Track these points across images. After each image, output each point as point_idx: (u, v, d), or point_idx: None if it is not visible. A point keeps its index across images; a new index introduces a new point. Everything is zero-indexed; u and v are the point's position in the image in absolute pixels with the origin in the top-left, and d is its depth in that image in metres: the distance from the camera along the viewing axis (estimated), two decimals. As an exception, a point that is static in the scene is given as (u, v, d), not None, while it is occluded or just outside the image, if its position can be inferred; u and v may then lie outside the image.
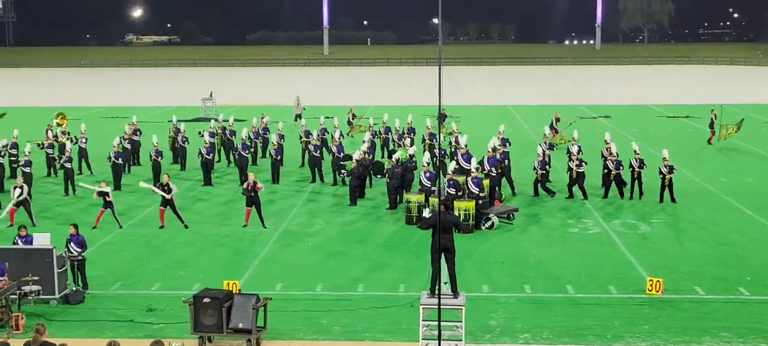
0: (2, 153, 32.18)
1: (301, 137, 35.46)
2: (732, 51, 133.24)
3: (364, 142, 32.27)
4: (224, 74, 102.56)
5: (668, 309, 17.87)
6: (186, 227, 25.01)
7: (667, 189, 28.25)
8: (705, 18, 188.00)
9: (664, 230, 24.74)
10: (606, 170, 29.17)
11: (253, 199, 24.84)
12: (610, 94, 71.01)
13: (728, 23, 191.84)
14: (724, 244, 23.10)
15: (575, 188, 28.92)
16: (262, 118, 39.11)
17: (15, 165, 31.80)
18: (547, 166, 29.85)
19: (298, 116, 46.88)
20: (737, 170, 34.46)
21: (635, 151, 29.33)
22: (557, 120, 40.79)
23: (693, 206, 27.85)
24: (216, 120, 39.04)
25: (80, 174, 33.52)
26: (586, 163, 29.24)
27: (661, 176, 28.18)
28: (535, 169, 29.40)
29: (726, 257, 21.74)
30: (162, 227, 25.01)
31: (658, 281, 18.86)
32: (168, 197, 24.87)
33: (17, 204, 25.31)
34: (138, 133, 36.37)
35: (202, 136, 33.96)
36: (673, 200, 28.14)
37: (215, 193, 30.59)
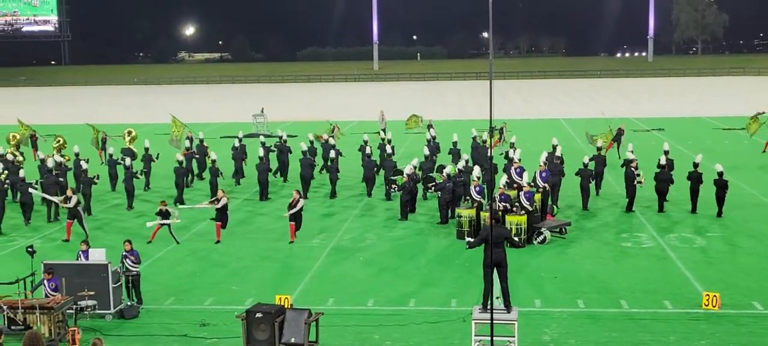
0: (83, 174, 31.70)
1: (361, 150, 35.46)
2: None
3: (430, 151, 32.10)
4: (275, 90, 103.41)
5: (726, 325, 17.56)
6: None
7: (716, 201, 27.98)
8: (760, 28, 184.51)
9: (720, 244, 24.34)
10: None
11: (295, 216, 25.04)
12: (663, 107, 70.10)
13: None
14: (783, 258, 22.63)
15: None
16: (333, 130, 39.75)
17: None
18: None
19: (383, 130, 47.14)
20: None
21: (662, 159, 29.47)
22: (621, 133, 40.36)
23: (750, 220, 27.38)
24: (278, 136, 38.92)
25: (147, 189, 34.18)
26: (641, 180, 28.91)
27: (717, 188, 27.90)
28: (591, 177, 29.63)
29: (785, 272, 21.32)
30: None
31: (714, 295, 18.55)
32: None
33: (72, 216, 25.76)
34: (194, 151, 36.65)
35: (272, 149, 34.82)
36: (719, 214, 27.72)
37: (272, 207, 30.78)
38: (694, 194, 28.54)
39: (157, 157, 34.84)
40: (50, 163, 31.71)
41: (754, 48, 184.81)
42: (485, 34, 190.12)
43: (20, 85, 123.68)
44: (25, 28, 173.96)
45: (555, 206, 28.38)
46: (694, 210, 28.40)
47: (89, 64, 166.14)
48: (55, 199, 27.89)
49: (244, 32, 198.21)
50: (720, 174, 27.98)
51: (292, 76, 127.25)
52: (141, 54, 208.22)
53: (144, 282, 19.97)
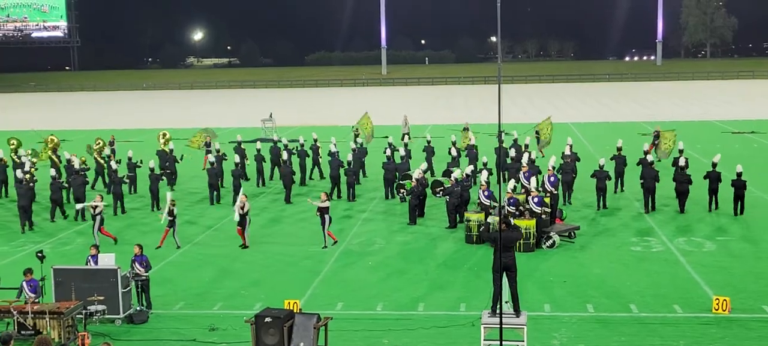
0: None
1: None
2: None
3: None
4: (283, 95, 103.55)
5: (736, 329, 17.50)
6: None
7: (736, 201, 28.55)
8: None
9: (729, 248, 24.25)
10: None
11: (323, 218, 25.08)
12: (672, 111, 69.93)
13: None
14: (793, 262, 22.55)
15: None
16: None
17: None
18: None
19: (406, 135, 47.16)
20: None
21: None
22: (658, 136, 40.50)
23: (760, 223, 27.29)
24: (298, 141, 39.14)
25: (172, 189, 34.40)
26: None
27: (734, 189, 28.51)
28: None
29: (796, 276, 21.23)
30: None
31: (724, 299, 18.49)
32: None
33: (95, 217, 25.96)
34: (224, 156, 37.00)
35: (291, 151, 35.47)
36: (741, 212, 28.30)
37: (290, 211, 30.83)
38: (713, 193, 29.33)
39: (140, 163, 35.06)
40: (77, 165, 32.62)
41: (764, 51, 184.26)
42: (493, 39, 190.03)
43: (30, 91, 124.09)
44: (35, 34, 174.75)
45: (568, 203, 29.17)
46: (715, 207, 29.27)
47: (98, 69, 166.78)
48: (87, 204, 27.94)
49: (253, 37, 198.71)
50: (739, 175, 28.58)
51: (301, 81, 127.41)
52: (149, 59, 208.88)
53: (153, 286, 20.00)
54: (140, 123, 67.48)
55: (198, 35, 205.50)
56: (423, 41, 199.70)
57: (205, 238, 26.89)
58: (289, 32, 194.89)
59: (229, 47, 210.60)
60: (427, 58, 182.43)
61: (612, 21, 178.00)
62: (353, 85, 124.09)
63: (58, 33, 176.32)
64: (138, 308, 19.10)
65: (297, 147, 37.18)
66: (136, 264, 19.42)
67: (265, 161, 36.61)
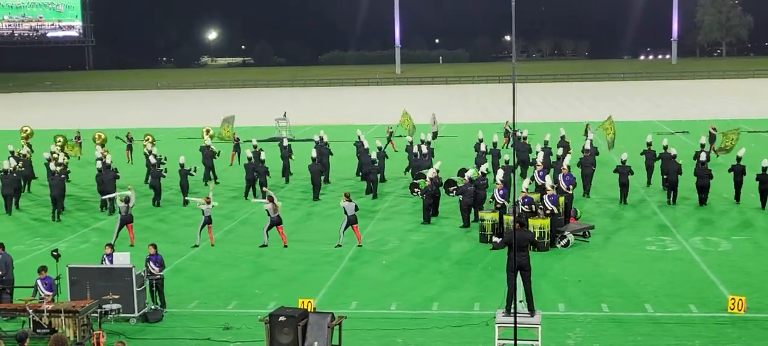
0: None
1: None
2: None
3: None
4: (297, 94, 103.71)
5: (752, 328, 17.40)
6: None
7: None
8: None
9: (745, 248, 24.13)
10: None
11: (350, 219, 25.06)
12: (687, 110, 69.62)
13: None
14: (810, 262, 22.42)
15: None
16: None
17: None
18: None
19: (435, 134, 47.27)
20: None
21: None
22: (714, 132, 41.43)
23: (776, 223, 27.18)
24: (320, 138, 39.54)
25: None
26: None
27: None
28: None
29: (812, 275, 21.10)
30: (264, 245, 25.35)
31: (740, 299, 18.40)
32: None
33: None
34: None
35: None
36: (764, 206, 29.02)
37: (297, 209, 30.88)
38: (738, 186, 30.21)
39: (164, 160, 35.36)
40: (109, 160, 33.35)
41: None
42: (507, 38, 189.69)
43: (46, 90, 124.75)
44: (50, 34, 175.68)
45: (587, 195, 29.94)
46: (737, 200, 30.14)
47: (113, 69, 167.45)
48: (116, 194, 28.31)
49: (267, 36, 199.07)
50: (764, 169, 29.11)
51: (315, 81, 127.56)
52: (164, 59, 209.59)
53: (168, 285, 20.06)
54: (155, 122, 67.70)
55: (212, 35, 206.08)
56: (437, 40, 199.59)
57: (224, 235, 26.91)
58: (303, 32, 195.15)
59: (243, 47, 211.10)
60: (441, 58, 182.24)
61: (627, 20, 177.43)
62: (367, 84, 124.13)
63: (73, 33, 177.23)
64: (152, 307, 19.17)
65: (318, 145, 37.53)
66: (151, 263, 19.48)
67: (292, 158, 37.40)
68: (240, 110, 79.00)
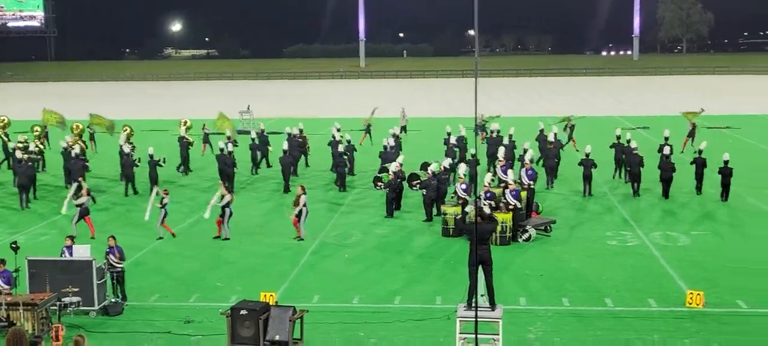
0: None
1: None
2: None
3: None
4: (262, 87, 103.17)
5: (710, 323, 17.60)
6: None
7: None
8: (745, 27, 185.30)
9: (704, 243, 24.41)
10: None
11: (301, 212, 24.97)
12: (648, 106, 70.28)
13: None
14: (766, 257, 22.72)
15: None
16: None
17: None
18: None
19: (404, 128, 47.32)
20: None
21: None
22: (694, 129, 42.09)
23: (734, 218, 27.51)
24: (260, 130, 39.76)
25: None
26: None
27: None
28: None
29: (766, 269, 21.41)
30: (218, 237, 25.22)
31: (698, 294, 18.60)
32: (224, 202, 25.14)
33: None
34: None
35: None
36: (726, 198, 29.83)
37: (287, 202, 30.76)
38: (699, 178, 31.00)
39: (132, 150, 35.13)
40: (77, 150, 33.49)
41: (739, 47, 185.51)
42: (471, 32, 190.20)
43: (7, 81, 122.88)
44: (11, 24, 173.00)
45: (551, 187, 30.75)
46: (699, 192, 30.96)
47: (75, 60, 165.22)
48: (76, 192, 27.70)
49: (231, 29, 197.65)
50: (725, 162, 30.09)
51: (279, 73, 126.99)
52: (127, 50, 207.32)
53: (129, 278, 19.84)
54: (119, 113, 66.89)
55: (176, 26, 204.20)
56: (401, 34, 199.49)
57: (188, 228, 26.69)
58: (268, 24, 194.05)
59: (207, 39, 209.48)
60: (405, 51, 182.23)
61: (589, 16, 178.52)
62: (331, 77, 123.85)
63: (35, 23, 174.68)
64: (113, 300, 18.95)
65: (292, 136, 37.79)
66: (111, 255, 19.25)
67: (259, 150, 37.49)
68: (204, 103, 78.49)
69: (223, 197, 25.06)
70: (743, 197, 30.52)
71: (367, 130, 45.64)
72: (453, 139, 35.93)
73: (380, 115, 49.00)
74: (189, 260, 23.11)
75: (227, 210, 25.12)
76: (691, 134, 41.51)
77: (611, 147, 35.04)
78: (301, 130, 39.08)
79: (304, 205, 25.00)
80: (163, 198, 25.31)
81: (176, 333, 17.35)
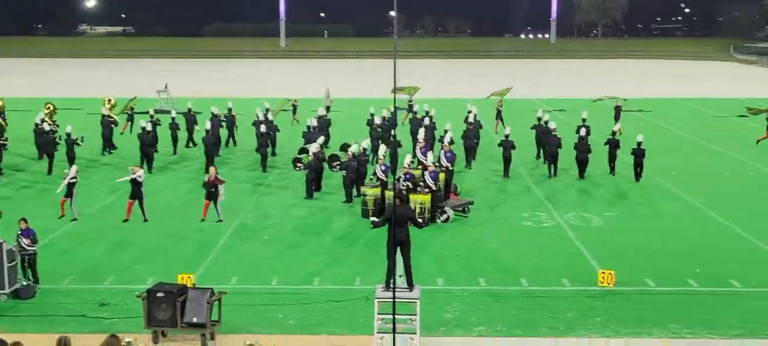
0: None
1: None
2: (684, 46, 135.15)
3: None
4: (180, 66, 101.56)
5: (619, 301, 18.12)
6: (146, 220, 24.79)
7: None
8: (658, 13, 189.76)
9: (616, 224, 25.07)
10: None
11: (212, 193, 24.70)
12: (564, 89, 71.55)
13: (680, 18, 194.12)
14: (674, 237, 23.49)
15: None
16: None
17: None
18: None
19: (328, 108, 47.10)
20: (688, 163, 35.04)
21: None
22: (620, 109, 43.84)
23: (646, 199, 28.33)
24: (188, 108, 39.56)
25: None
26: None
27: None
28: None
29: (676, 250, 22.12)
30: (127, 219, 24.79)
31: (609, 273, 19.11)
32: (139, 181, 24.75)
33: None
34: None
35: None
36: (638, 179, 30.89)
37: (178, 184, 30.35)
38: (612, 158, 32.09)
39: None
40: (47, 127, 33.61)
41: (652, 32, 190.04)
42: (392, 13, 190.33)
43: None
44: None
45: (469, 168, 31.23)
46: (612, 172, 32.03)
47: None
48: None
49: (148, 6, 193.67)
50: (638, 143, 31.11)
51: (198, 52, 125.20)
52: (39, 26, 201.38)
53: (41, 260, 19.41)
54: (30, 91, 65.14)
55: (90, 2, 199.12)
56: (322, 14, 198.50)
57: (92, 213, 26.21)
58: (186, 2, 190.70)
59: (123, 15, 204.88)
60: (325, 32, 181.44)
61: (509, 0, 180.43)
62: (251, 56, 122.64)
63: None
64: (24, 283, 18.52)
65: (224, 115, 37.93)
66: (23, 238, 18.81)
67: (179, 129, 37.10)
68: (121, 81, 76.97)
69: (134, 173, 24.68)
70: (654, 179, 31.44)
71: (294, 111, 45.52)
72: (377, 120, 36.09)
73: (304, 96, 48.81)
74: (105, 242, 22.73)
75: (142, 190, 24.81)
76: (499, 116, 42.66)
77: (532, 128, 35.79)
78: (230, 109, 39.18)
79: (216, 186, 24.71)
80: (73, 177, 24.80)
81: (91, 316, 17.08)
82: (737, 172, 33.39)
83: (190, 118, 38.60)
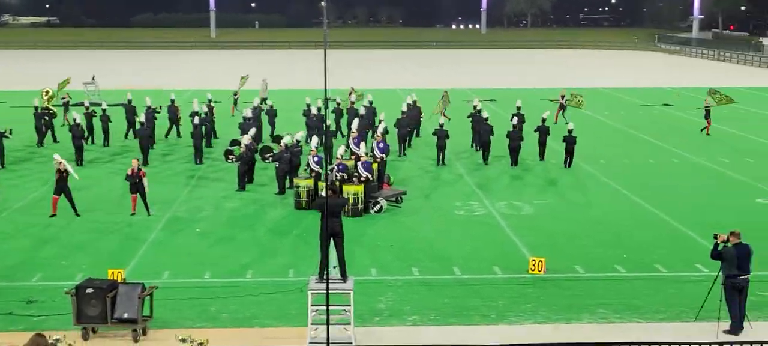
0: None
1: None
2: (610, 36, 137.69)
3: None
4: (107, 57, 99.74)
5: (550, 288, 18.41)
6: (78, 215, 24.31)
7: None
8: (585, 4, 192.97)
9: (546, 211, 25.44)
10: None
11: (137, 185, 24.29)
12: (494, 78, 72.28)
13: (607, 9, 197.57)
14: (602, 224, 23.95)
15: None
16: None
17: None
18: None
19: (264, 100, 46.68)
20: (616, 152, 35.72)
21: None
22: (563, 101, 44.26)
23: (573, 188, 28.84)
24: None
25: None
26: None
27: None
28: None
29: (604, 237, 22.55)
30: (53, 215, 24.26)
31: (540, 260, 19.40)
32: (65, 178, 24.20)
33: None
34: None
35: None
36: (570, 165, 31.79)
37: (108, 177, 29.85)
38: (542, 145, 33.20)
39: None
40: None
41: (580, 22, 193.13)
42: (323, 3, 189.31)
43: None
44: None
45: (403, 155, 32.06)
46: (542, 158, 33.09)
47: None
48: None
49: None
50: (570, 131, 32.11)
51: (126, 43, 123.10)
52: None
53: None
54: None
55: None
56: (253, 4, 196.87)
57: (19, 208, 25.63)
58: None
59: (47, 6, 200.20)
60: (257, 22, 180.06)
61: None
62: (181, 47, 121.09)
63: None
64: (-52, 282, 18.06)
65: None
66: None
67: (110, 121, 36.51)
68: (47, 72, 75.28)
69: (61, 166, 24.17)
70: (582, 167, 32.01)
71: (235, 102, 45.40)
72: (314, 110, 36.01)
73: (244, 87, 48.44)
74: (31, 238, 22.24)
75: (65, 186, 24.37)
76: (562, 107, 43.80)
77: (468, 117, 36.45)
78: (173, 101, 39.01)
79: (140, 179, 24.29)
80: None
81: (18, 314, 16.68)
82: (663, 160, 34.16)
83: (131, 110, 38.10)
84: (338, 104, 38.93)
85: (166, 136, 38.20)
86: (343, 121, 37.70)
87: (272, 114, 38.92)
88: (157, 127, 36.87)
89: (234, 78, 50.69)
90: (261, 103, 40.61)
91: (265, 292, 17.95)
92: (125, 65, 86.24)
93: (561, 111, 44.08)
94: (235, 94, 46.41)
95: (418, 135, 38.09)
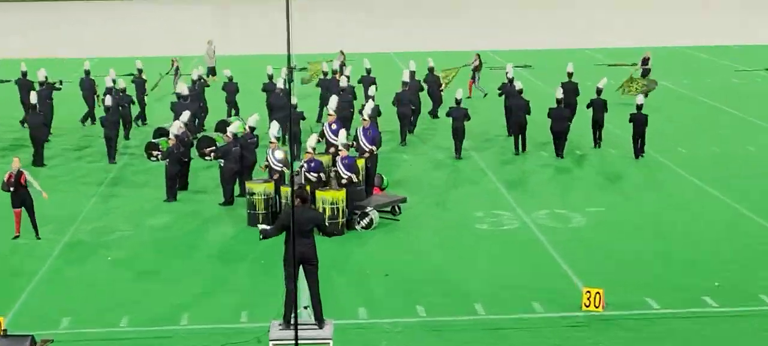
0: None
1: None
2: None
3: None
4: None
5: (613, 329, 18.35)
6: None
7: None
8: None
9: (604, 223, 25.41)
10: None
11: (21, 196, 24.06)
12: (530, 37, 72.50)
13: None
14: (684, 239, 23.92)
15: None
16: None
17: None
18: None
19: (213, 69, 46.80)
20: (702, 137, 35.69)
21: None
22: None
23: (642, 188, 28.96)
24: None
25: None
26: None
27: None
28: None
29: (687, 256, 22.56)
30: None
31: (597, 292, 19.31)
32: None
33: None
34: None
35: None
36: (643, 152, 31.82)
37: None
38: (598, 127, 33.28)
39: None
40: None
41: None
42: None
43: None
44: None
45: (403, 144, 33.00)
46: (597, 145, 33.44)
47: None
48: None
49: None
50: (639, 107, 31.83)
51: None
52: None
53: None
54: None
55: None
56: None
57: None
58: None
59: None
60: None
61: None
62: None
63: None
64: None
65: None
66: None
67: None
68: None
69: None
70: (655, 158, 31.99)
71: (176, 72, 44.63)
72: (279, 84, 35.45)
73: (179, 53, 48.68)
74: None
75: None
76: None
77: (499, 91, 36.70)
78: (87, 73, 38.87)
79: (24, 188, 24.09)
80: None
81: None
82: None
83: (26, 86, 37.69)
84: (310, 77, 39.05)
85: (83, 122, 38.46)
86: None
87: (232, 90, 38.48)
88: (54, 112, 36.75)
89: (178, 41, 50.71)
90: (205, 76, 40.53)
91: (207, 345, 17.85)
92: (17, 22, 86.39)
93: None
94: (173, 72, 45.39)
95: (435, 115, 38.18)
